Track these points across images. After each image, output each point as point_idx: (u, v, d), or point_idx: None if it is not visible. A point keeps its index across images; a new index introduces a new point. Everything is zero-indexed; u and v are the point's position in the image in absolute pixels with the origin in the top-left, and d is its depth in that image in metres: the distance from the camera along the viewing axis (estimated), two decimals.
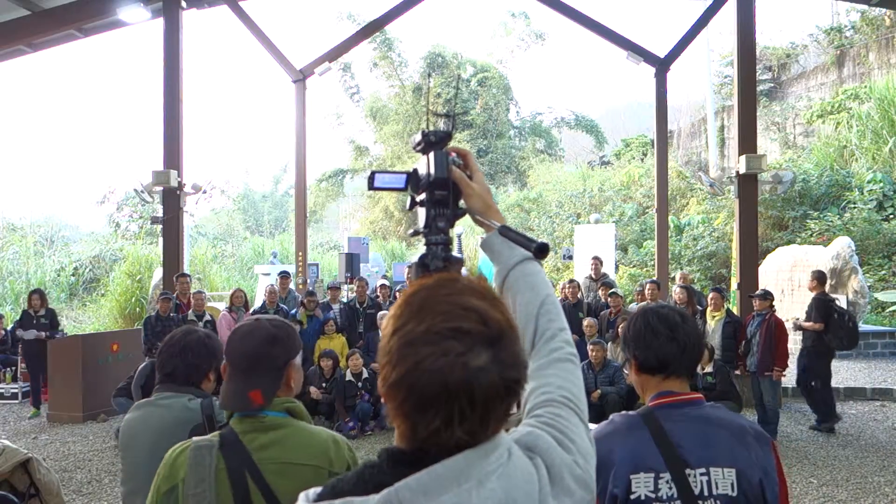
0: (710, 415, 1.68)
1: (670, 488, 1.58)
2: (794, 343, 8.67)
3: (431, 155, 1.20)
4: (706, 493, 1.58)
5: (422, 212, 1.22)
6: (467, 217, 1.23)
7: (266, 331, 1.69)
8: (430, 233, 1.19)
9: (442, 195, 1.20)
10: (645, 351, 1.73)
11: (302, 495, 0.92)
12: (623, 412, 1.76)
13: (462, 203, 1.23)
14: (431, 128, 1.23)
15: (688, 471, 1.59)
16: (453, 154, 1.23)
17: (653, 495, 1.58)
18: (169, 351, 2.18)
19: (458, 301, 0.87)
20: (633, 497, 1.59)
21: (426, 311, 0.87)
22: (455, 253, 1.20)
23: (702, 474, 1.59)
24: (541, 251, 1.13)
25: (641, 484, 1.59)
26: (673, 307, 1.83)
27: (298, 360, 1.77)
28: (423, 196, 1.21)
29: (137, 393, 7.81)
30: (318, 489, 0.92)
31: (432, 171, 1.19)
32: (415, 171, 1.23)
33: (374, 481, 0.87)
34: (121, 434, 2.18)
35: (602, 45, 33.01)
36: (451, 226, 1.21)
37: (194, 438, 1.66)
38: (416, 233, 1.23)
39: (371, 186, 1.26)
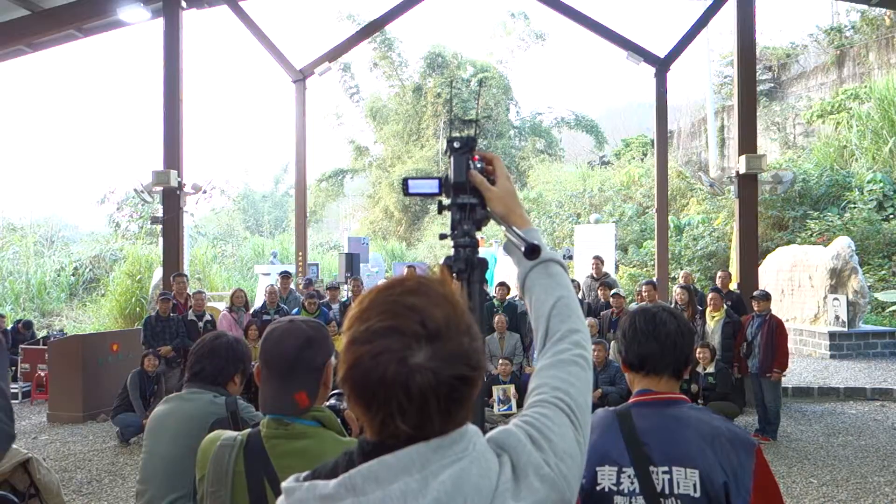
0: (685, 415, 1.71)
1: (632, 483, 1.64)
2: (795, 343, 8.67)
3: (452, 160, 1.25)
4: (667, 492, 1.61)
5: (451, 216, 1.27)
6: None
7: (302, 332, 1.68)
8: (456, 236, 1.23)
9: (465, 199, 1.24)
10: (627, 348, 1.80)
11: (293, 476, 0.95)
12: (605, 407, 1.81)
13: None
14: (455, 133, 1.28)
15: (651, 468, 1.64)
16: (477, 158, 1.26)
17: (615, 488, 1.65)
18: (199, 352, 2.30)
19: (398, 300, 0.90)
20: (598, 488, 1.66)
21: (369, 311, 0.91)
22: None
23: (664, 472, 1.63)
24: (530, 253, 1.14)
25: (606, 476, 1.66)
26: (666, 307, 1.86)
27: (333, 360, 1.77)
28: (450, 200, 1.26)
29: (138, 403, 7.83)
30: (309, 472, 0.97)
31: (451, 175, 1.24)
32: (446, 176, 1.28)
33: (346, 469, 0.91)
34: (148, 424, 2.30)
35: (602, 45, 32.97)
36: (479, 228, 1.25)
37: (223, 435, 1.66)
38: (444, 236, 1.27)
39: (406, 192, 1.30)
